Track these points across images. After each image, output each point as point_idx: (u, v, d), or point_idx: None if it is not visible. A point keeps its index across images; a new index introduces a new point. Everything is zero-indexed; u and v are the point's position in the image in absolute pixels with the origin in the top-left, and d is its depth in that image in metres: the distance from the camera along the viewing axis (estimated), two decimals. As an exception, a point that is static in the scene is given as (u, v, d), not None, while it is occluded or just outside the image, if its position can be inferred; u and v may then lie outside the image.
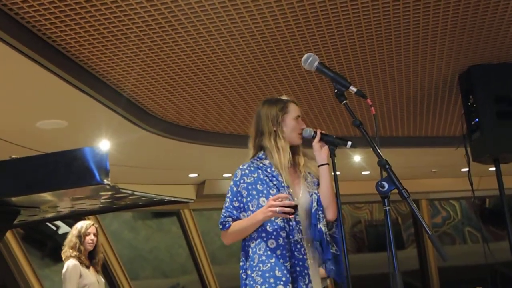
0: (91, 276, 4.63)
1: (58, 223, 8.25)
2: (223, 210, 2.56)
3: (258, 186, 2.53)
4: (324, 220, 2.57)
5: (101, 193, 1.07)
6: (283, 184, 2.52)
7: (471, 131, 4.79)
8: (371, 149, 2.03)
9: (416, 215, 1.89)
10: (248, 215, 2.51)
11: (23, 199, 1.08)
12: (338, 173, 2.77)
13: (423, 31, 3.95)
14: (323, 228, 2.55)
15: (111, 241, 8.35)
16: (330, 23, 3.70)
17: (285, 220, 2.46)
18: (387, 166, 1.94)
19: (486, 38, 4.19)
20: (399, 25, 3.82)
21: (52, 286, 7.83)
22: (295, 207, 2.34)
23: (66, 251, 4.66)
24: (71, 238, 4.68)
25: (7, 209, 1.12)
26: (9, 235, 6.99)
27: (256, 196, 2.51)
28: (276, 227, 2.46)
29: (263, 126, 2.66)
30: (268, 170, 2.56)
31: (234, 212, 2.54)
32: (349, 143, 2.58)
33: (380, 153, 2.00)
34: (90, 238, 4.68)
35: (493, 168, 4.78)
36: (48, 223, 7.99)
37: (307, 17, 3.57)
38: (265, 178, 2.54)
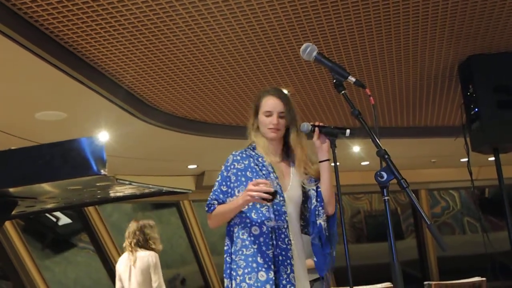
0: None
1: (58, 214, 8.27)
2: (211, 193, 2.59)
3: (247, 173, 2.56)
4: (324, 215, 2.59)
5: (98, 184, 1.07)
6: (272, 175, 2.54)
7: (470, 121, 4.78)
8: (370, 139, 2.03)
9: (415, 205, 1.89)
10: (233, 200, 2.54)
11: (20, 190, 1.08)
12: (337, 163, 2.77)
13: (423, 21, 3.94)
14: (322, 224, 2.58)
15: (111, 232, 8.37)
16: (328, 13, 3.68)
17: (270, 209, 2.48)
18: (386, 156, 1.94)
19: (486, 27, 4.18)
20: (398, 15, 3.81)
21: (53, 277, 7.86)
22: (273, 193, 2.34)
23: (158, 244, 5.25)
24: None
25: (4, 200, 1.11)
26: (9, 226, 7.01)
27: (245, 183, 2.53)
28: (261, 215, 2.49)
29: (249, 118, 2.73)
30: (260, 159, 2.59)
31: (221, 196, 2.56)
32: (348, 131, 2.59)
33: (379, 143, 2.00)
34: None
35: (493, 158, 4.78)
36: (48, 215, 8.01)
37: (306, 6, 3.56)
38: (255, 166, 2.57)
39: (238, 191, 2.53)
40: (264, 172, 2.55)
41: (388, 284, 5.72)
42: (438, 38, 4.27)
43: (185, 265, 9.90)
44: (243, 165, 2.59)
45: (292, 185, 2.61)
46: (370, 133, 2.01)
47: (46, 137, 5.30)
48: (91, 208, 7.95)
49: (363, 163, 8.78)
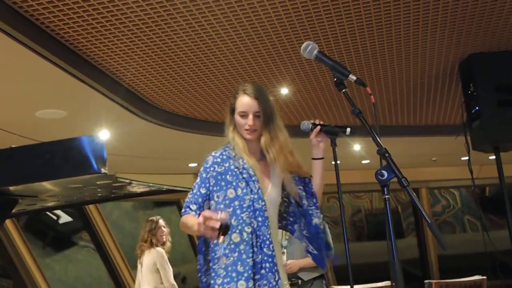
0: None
1: (59, 213, 8.27)
2: (190, 195, 2.45)
3: (227, 177, 2.44)
4: (320, 214, 2.54)
5: (99, 182, 1.07)
6: (253, 178, 2.43)
7: (471, 120, 4.78)
8: (371, 138, 2.02)
9: (415, 204, 1.88)
10: (211, 204, 2.42)
11: (20, 188, 1.07)
12: (338, 162, 2.76)
13: (423, 19, 3.93)
14: (318, 223, 2.52)
15: (112, 230, 8.37)
16: (329, 12, 3.68)
17: (252, 216, 2.39)
18: (387, 155, 1.93)
19: (487, 26, 4.17)
20: (399, 13, 3.80)
21: (53, 275, 7.86)
22: (222, 228, 2.14)
23: (141, 245, 5.40)
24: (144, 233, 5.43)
25: (4, 199, 1.11)
26: (10, 224, 7.01)
27: (224, 187, 2.42)
28: (241, 221, 2.38)
29: (225, 115, 2.62)
30: (240, 161, 2.47)
31: (200, 199, 2.42)
32: (348, 129, 2.56)
33: (380, 141, 1.99)
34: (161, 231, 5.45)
35: (493, 157, 4.78)
36: (48, 213, 8.01)
37: (306, 5, 3.55)
38: (236, 169, 2.45)
39: (217, 196, 2.42)
40: (244, 175, 2.44)
41: (388, 282, 5.71)
42: (438, 36, 4.27)
43: (186, 264, 9.90)
44: (223, 168, 2.46)
45: (272, 186, 2.52)
46: (371, 132, 2.01)
47: (47, 135, 5.30)
48: (91, 206, 7.95)
49: (363, 162, 8.78)
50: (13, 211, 1.17)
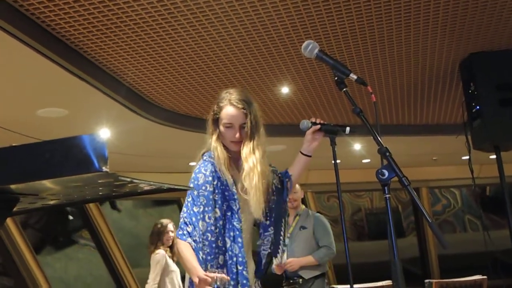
0: (175, 265, 5.43)
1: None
2: (185, 215, 2.36)
3: (215, 195, 2.42)
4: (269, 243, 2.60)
5: (100, 181, 1.07)
6: (235, 197, 2.43)
7: (472, 119, 4.78)
8: (372, 137, 2.02)
9: (416, 203, 1.88)
10: (202, 225, 2.37)
11: (21, 186, 1.08)
12: (338, 161, 2.76)
13: (424, 18, 3.93)
14: (263, 250, 2.60)
15: (112, 229, 8.38)
16: (330, 10, 3.68)
17: (232, 239, 2.40)
18: (387, 154, 1.93)
19: (487, 24, 4.17)
20: (399, 12, 3.80)
21: (54, 273, 7.87)
22: None
23: (149, 246, 5.52)
24: (151, 236, 5.56)
25: (5, 197, 1.11)
26: (10, 222, 7.01)
27: (211, 207, 2.39)
28: (220, 245, 2.39)
29: (208, 121, 2.57)
30: (223, 177, 2.45)
31: (193, 219, 2.35)
32: (348, 128, 2.57)
33: (381, 140, 1.99)
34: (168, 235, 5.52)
35: (494, 156, 4.77)
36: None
37: (307, 3, 3.55)
38: (221, 187, 2.43)
39: (209, 218, 2.38)
40: (226, 193, 2.44)
41: (389, 282, 5.72)
42: (439, 35, 4.26)
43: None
44: (212, 187, 2.42)
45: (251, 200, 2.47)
46: (372, 131, 2.01)
47: (48, 134, 5.30)
48: (92, 205, 7.96)
49: (364, 161, 8.78)
50: (14, 209, 1.17)
